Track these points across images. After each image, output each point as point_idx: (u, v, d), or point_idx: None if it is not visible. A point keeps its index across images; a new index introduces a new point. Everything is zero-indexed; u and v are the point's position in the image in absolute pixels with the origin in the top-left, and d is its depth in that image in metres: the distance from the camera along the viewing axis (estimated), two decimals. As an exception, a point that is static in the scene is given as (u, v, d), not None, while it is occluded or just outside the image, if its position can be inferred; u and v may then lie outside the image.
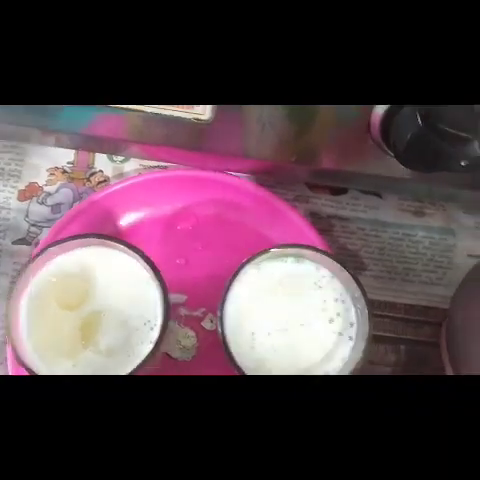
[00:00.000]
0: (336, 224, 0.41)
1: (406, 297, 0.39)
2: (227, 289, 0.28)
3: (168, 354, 0.37)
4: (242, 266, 0.28)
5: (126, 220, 0.39)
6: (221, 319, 0.27)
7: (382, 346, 0.38)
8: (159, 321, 0.27)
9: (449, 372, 0.36)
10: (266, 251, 0.29)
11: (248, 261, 0.28)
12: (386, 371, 0.37)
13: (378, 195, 0.42)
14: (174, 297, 0.38)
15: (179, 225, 0.40)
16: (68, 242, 0.28)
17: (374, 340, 0.38)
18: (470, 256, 0.40)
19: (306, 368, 0.28)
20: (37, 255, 0.27)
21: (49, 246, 0.28)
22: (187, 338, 0.36)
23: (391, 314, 0.39)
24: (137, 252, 0.27)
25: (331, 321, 0.29)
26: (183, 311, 0.38)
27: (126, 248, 0.28)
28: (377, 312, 0.39)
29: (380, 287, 0.39)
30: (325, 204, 0.41)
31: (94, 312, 0.28)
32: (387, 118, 0.31)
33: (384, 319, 0.38)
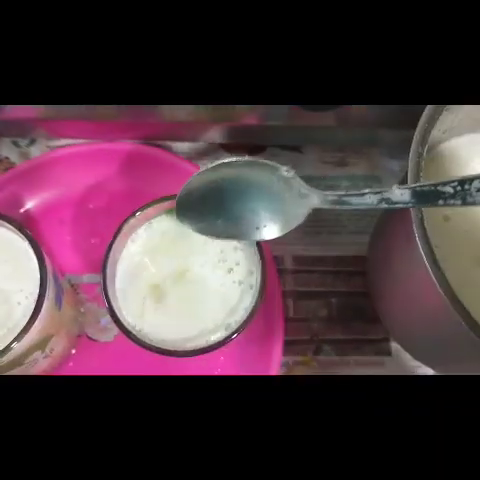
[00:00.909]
0: (257, 184, 0.39)
1: (334, 249, 0.37)
2: (109, 248, 0.26)
3: (88, 336, 0.35)
4: (124, 221, 0.26)
5: (36, 203, 0.37)
6: (105, 283, 0.26)
7: (313, 301, 0.36)
8: (38, 290, 0.25)
9: (382, 320, 0.34)
10: (157, 202, 0.27)
11: (132, 215, 0.26)
12: (318, 326, 0.36)
13: (298, 150, 0.40)
14: (92, 277, 0.37)
15: (91, 204, 0.38)
16: None
17: (304, 296, 0.37)
18: (397, 201, 0.38)
19: (209, 327, 0.27)
20: None
21: None
22: (106, 316, 0.35)
23: (320, 268, 0.37)
24: (10, 222, 0.26)
25: (230, 271, 0.27)
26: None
27: (3, 221, 0.26)
28: (305, 268, 0.37)
29: (306, 242, 0.38)
30: (244, 165, 0.40)
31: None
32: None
33: (313, 274, 0.37)
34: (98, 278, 0.36)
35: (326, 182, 0.39)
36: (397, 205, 0.23)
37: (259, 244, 0.26)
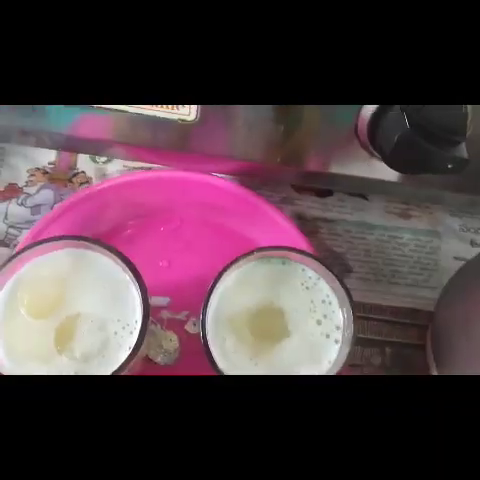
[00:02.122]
0: (322, 226, 0.40)
1: (392, 299, 0.39)
2: (209, 292, 0.27)
3: (150, 359, 0.36)
4: (225, 269, 0.27)
5: (107, 222, 0.38)
6: (203, 323, 0.27)
7: (368, 349, 0.37)
8: (138, 325, 0.26)
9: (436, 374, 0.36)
10: (249, 253, 0.28)
11: (231, 264, 0.28)
12: (372, 373, 0.37)
13: (364, 197, 0.41)
14: (157, 300, 0.38)
15: (162, 227, 0.39)
16: (42, 245, 0.27)
17: (360, 343, 0.38)
18: (456, 258, 0.40)
19: (292, 372, 0.28)
20: (9, 260, 0.26)
21: (21, 251, 0.26)
22: (169, 342, 0.36)
23: (377, 316, 0.38)
24: (116, 253, 0.27)
25: (319, 323, 0.28)
26: (166, 314, 0.37)
27: (104, 249, 0.27)
28: (363, 314, 0.38)
29: (366, 289, 0.39)
30: (311, 206, 0.41)
31: (69, 317, 0.27)
32: (374, 120, 0.31)
33: (370, 321, 0.38)
34: (164, 301, 0.38)
35: (388, 232, 0.41)
36: None
37: (351, 297, 0.27)
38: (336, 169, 0.37)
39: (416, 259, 0.40)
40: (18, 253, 0.27)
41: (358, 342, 0.38)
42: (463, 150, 0.29)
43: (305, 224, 0.40)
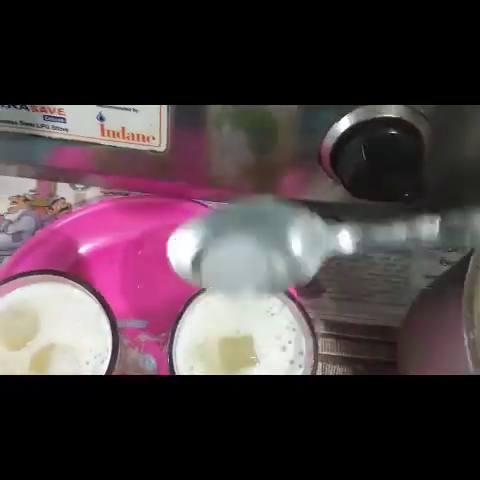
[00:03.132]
0: (295, 247, 0.42)
1: (363, 318, 0.40)
2: (177, 321, 0.29)
3: (129, 381, 0.37)
4: (192, 298, 0.29)
5: (86, 247, 0.40)
6: (170, 352, 0.28)
7: (340, 367, 0.39)
8: (109, 354, 0.27)
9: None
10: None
11: (198, 293, 0.29)
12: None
13: (337, 219, 0.43)
14: (135, 323, 0.39)
15: (140, 250, 0.40)
16: (15, 280, 0.28)
17: (332, 361, 0.39)
18: (426, 276, 0.41)
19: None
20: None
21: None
22: (148, 363, 0.37)
23: (349, 335, 0.39)
24: (85, 285, 0.28)
25: (284, 349, 0.30)
26: (144, 337, 0.38)
27: (74, 282, 0.28)
28: (335, 333, 0.39)
29: (338, 308, 0.40)
30: (285, 228, 0.42)
31: (43, 348, 0.28)
32: (335, 150, 0.32)
33: (342, 340, 0.39)
34: (142, 324, 0.39)
35: (360, 251, 0.42)
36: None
37: (311, 325, 0.29)
38: (306, 196, 0.38)
39: (387, 278, 0.41)
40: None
41: (330, 360, 0.39)
42: (418, 179, 0.30)
43: (279, 246, 0.41)
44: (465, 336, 0.24)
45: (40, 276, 0.28)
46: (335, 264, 0.41)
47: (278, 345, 0.30)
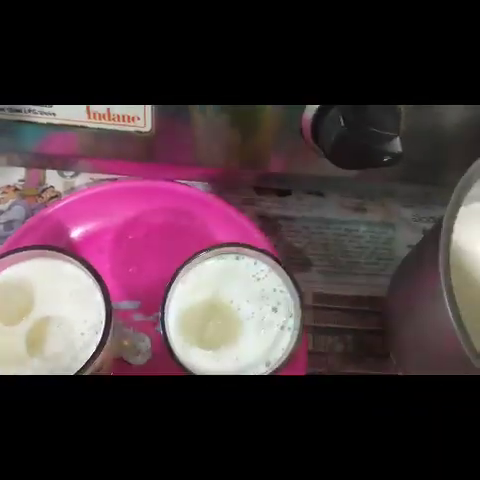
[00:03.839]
0: (282, 224, 0.43)
1: (351, 289, 0.41)
2: (167, 289, 0.29)
3: (124, 360, 0.38)
4: (182, 266, 0.29)
5: (78, 233, 0.40)
6: (162, 321, 0.29)
7: (330, 337, 0.40)
8: (103, 325, 0.28)
9: (393, 358, 0.38)
10: (205, 250, 0.30)
11: (188, 261, 0.30)
12: (335, 360, 0.39)
13: (321, 194, 0.44)
14: (128, 304, 0.40)
15: (131, 235, 0.41)
16: (10, 256, 0.29)
17: (322, 332, 0.40)
18: (409, 246, 0.42)
19: (250, 362, 0.30)
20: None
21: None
22: (142, 342, 0.38)
23: (338, 306, 0.40)
24: (80, 260, 0.29)
25: (274, 310, 0.30)
26: (138, 317, 0.39)
27: (69, 257, 0.29)
28: (324, 305, 0.40)
29: (326, 281, 0.41)
30: (271, 206, 0.43)
31: (38, 321, 0.29)
32: (315, 122, 0.33)
33: (331, 311, 0.40)
34: (134, 305, 0.40)
35: (345, 226, 0.43)
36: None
37: (298, 288, 0.30)
38: (291, 170, 0.39)
39: (372, 250, 0.42)
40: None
41: (321, 331, 0.40)
42: (397, 144, 0.31)
43: (267, 223, 0.42)
44: (443, 281, 0.25)
45: (35, 252, 0.29)
46: (321, 239, 0.42)
47: (267, 306, 0.30)
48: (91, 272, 0.29)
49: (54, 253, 0.29)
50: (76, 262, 0.29)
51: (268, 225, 0.42)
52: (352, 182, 0.41)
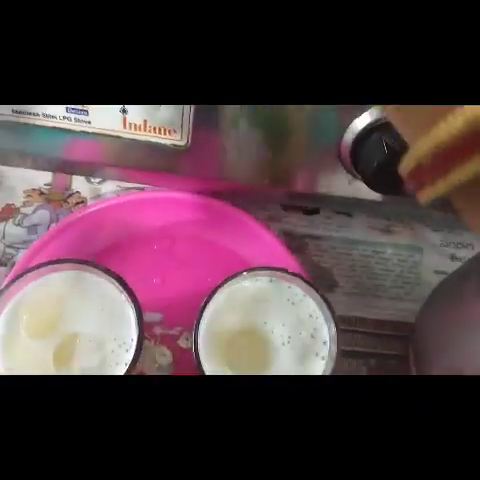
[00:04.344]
0: (309, 243, 0.42)
1: (376, 312, 0.41)
2: (202, 310, 0.29)
3: (144, 373, 0.38)
4: (217, 288, 0.29)
5: (102, 241, 0.40)
6: (195, 339, 0.28)
7: (353, 360, 0.39)
8: (134, 343, 0.27)
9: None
10: (239, 274, 0.30)
11: (223, 283, 0.29)
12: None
13: (349, 214, 0.43)
14: (150, 316, 0.39)
15: (156, 245, 0.41)
16: (41, 269, 0.28)
17: (346, 354, 0.40)
18: (436, 272, 0.42)
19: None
20: (10, 283, 0.28)
21: (19, 276, 0.28)
22: (163, 356, 0.37)
23: (362, 329, 0.40)
24: (113, 276, 0.28)
25: (312, 336, 0.30)
26: (159, 330, 0.38)
27: (101, 272, 0.28)
28: (348, 327, 0.40)
29: (351, 303, 0.41)
30: (298, 224, 0.43)
31: (67, 336, 0.28)
32: (355, 146, 0.33)
33: (355, 334, 0.40)
34: (156, 317, 0.39)
35: (372, 247, 0.42)
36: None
37: (334, 315, 0.29)
38: (321, 190, 0.39)
39: (398, 273, 0.42)
40: (18, 276, 0.28)
41: (344, 354, 0.40)
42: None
43: (293, 241, 0.42)
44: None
45: (66, 265, 0.29)
46: (348, 259, 0.42)
47: (305, 331, 0.30)
48: (124, 288, 0.28)
49: (87, 267, 0.29)
50: (109, 277, 0.29)
51: (294, 243, 0.42)
52: (382, 205, 0.41)
